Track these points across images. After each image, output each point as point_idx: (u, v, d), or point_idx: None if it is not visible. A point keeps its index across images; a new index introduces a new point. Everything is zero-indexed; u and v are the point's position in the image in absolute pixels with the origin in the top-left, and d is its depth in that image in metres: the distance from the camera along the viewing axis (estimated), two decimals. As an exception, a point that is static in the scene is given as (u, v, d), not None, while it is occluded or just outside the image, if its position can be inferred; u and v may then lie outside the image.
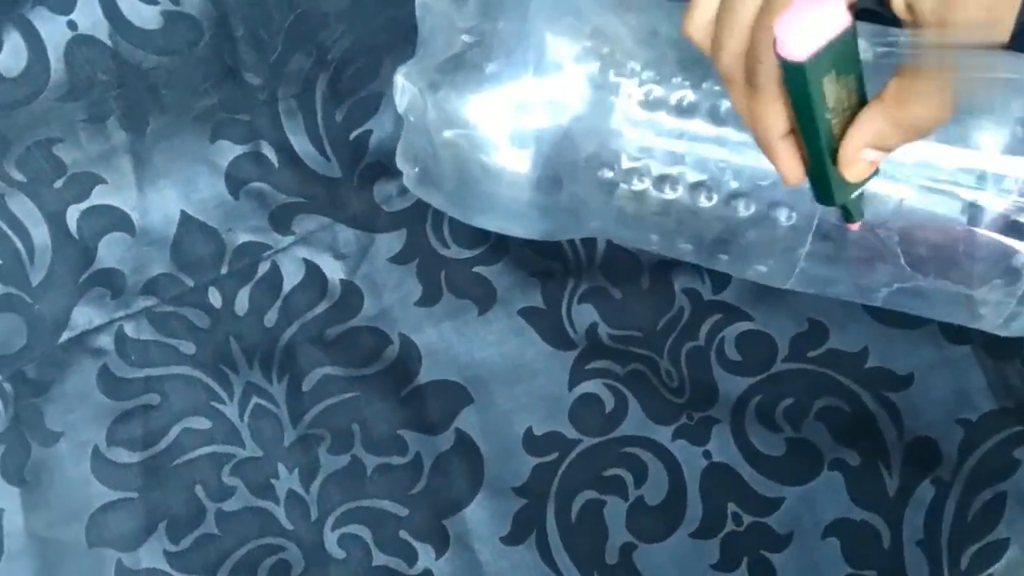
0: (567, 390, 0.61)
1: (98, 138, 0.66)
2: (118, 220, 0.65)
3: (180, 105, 0.66)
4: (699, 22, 0.42)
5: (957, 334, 0.59)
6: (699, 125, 0.51)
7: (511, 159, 0.53)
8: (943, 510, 0.58)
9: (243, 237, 0.64)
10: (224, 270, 0.64)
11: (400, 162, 0.58)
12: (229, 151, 0.65)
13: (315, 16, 0.67)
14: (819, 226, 0.51)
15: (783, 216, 0.51)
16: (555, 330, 0.62)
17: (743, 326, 0.61)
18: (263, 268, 0.64)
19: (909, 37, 0.39)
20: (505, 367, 0.61)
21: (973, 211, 0.49)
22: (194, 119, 0.66)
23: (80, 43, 0.67)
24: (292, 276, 0.64)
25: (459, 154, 0.53)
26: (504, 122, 0.52)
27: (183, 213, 0.65)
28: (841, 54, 0.38)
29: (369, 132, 0.65)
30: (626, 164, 0.52)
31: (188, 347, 0.63)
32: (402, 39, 0.62)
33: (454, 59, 0.52)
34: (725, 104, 0.51)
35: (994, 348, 0.59)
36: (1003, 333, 0.53)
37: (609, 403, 0.60)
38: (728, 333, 0.61)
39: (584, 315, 0.62)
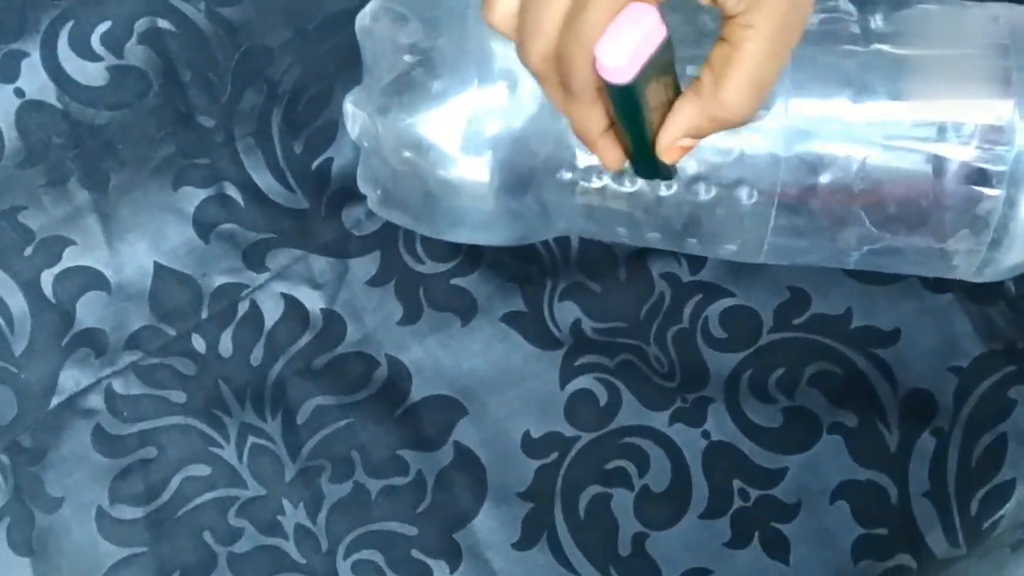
0: (559, 389, 0.61)
1: (61, 201, 0.66)
2: (92, 279, 0.65)
3: (138, 157, 0.66)
4: (501, 13, 0.39)
5: (938, 283, 0.59)
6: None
7: (470, 171, 0.53)
8: (946, 459, 0.58)
9: (219, 280, 0.64)
10: (204, 315, 0.64)
11: (362, 187, 0.58)
12: (194, 196, 0.65)
13: (260, 52, 0.67)
14: (781, 200, 0.51)
15: (744, 195, 0.51)
16: (540, 331, 0.62)
17: (725, 303, 0.61)
18: (243, 308, 0.64)
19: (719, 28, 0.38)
20: (494, 374, 0.61)
21: (937, 162, 0.49)
22: (154, 169, 0.66)
23: (30, 109, 0.67)
24: (272, 312, 0.63)
25: (418, 173, 0.53)
26: (457, 136, 0.52)
27: (156, 264, 0.65)
28: (660, 61, 0.37)
29: (330, 160, 0.65)
30: (583, 162, 0.52)
31: (178, 396, 0.63)
32: (349, 63, 0.61)
33: (399, 81, 0.52)
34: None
35: (976, 293, 0.59)
36: (978, 280, 0.53)
37: (602, 397, 0.60)
38: (711, 312, 0.61)
39: (567, 313, 0.62)
